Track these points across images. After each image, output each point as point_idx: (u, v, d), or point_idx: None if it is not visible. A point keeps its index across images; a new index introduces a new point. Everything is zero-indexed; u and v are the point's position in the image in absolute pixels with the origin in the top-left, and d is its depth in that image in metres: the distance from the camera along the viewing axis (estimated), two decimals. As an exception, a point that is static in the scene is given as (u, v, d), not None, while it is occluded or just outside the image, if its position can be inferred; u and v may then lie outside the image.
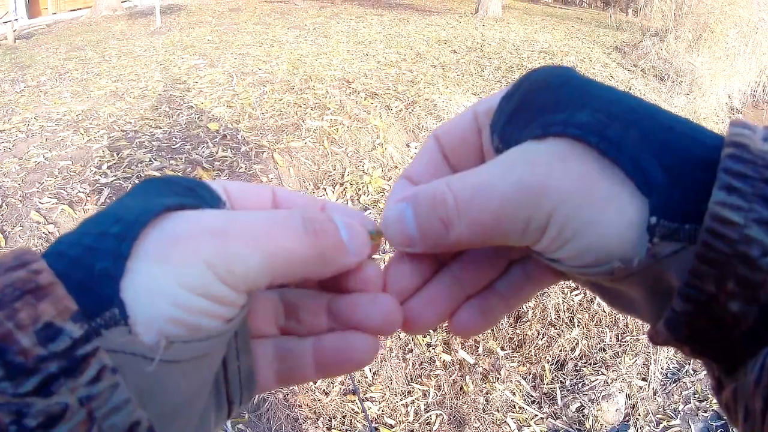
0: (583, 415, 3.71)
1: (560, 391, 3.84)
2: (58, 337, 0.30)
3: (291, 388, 3.46)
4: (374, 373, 3.65)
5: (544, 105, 0.40)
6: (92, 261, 0.33)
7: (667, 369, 4.19)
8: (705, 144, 0.36)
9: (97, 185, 4.54)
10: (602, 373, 3.97)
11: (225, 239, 0.36)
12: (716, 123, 10.76)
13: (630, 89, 9.82)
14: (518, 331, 4.06)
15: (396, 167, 5.51)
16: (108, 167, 4.82)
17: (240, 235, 0.36)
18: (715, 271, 0.32)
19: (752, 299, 0.32)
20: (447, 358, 3.78)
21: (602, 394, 3.81)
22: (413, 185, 0.46)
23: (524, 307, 4.04)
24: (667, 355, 4.27)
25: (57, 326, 0.30)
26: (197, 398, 0.38)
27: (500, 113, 0.43)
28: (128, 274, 0.33)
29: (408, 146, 6.06)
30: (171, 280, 0.34)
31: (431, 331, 3.90)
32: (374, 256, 0.46)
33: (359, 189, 5.04)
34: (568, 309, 4.23)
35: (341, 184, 5.09)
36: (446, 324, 0.47)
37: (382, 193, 5.03)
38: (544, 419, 3.66)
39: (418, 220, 0.41)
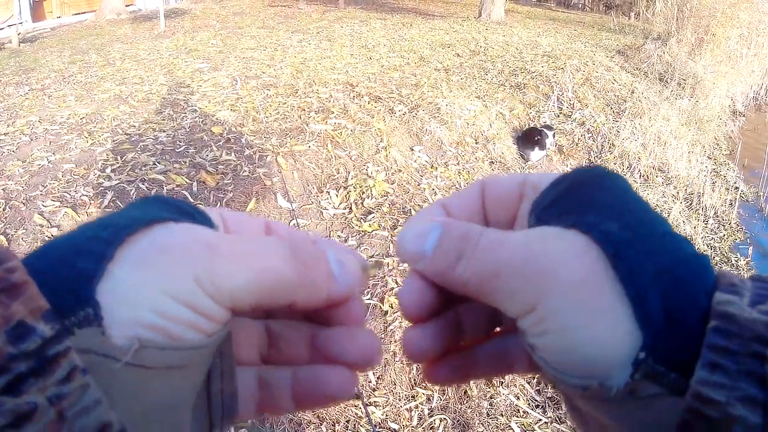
0: (587, 420, 3.70)
1: (564, 395, 3.83)
2: (29, 337, 0.30)
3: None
4: (378, 378, 3.65)
5: (583, 202, 0.40)
6: (75, 261, 0.34)
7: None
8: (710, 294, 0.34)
9: (101, 189, 4.55)
10: (606, 377, 3.97)
11: (215, 254, 0.36)
12: (719, 126, 10.76)
13: (633, 92, 9.83)
14: (522, 335, 4.06)
15: (400, 171, 5.52)
16: (112, 170, 4.82)
17: (230, 252, 0.37)
18: None
19: None
20: (451, 362, 3.78)
21: (606, 398, 3.80)
22: (447, 215, 0.47)
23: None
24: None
25: (29, 325, 0.30)
26: (172, 411, 0.37)
27: (543, 197, 0.42)
28: (109, 277, 0.34)
29: (412, 150, 6.06)
30: (154, 287, 0.34)
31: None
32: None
33: (363, 193, 5.04)
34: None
35: (345, 188, 5.09)
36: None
37: (385, 197, 5.03)
38: (549, 423, 3.65)
39: (440, 243, 0.41)
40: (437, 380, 0.47)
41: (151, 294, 0.34)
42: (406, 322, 0.46)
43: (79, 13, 19.79)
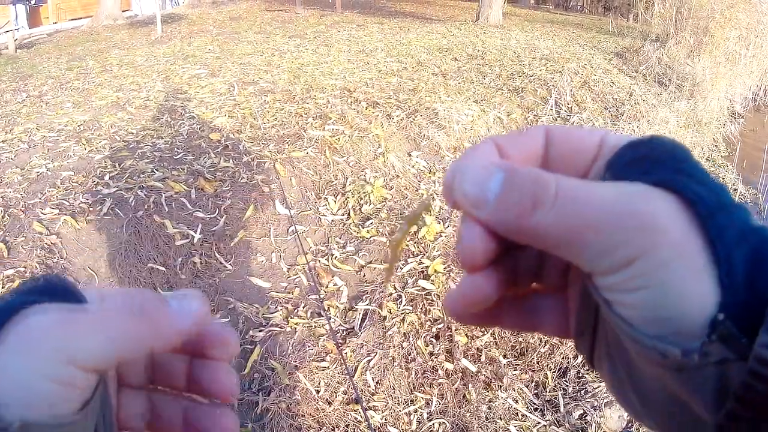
0: (585, 422, 3.70)
1: (563, 398, 3.83)
2: None
3: (294, 397, 3.47)
4: (377, 382, 3.65)
5: (667, 165, 0.39)
6: None
7: (669, 376, 4.18)
8: None
9: (99, 196, 4.56)
10: (605, 381, 3.97)
11: (69, 325, 0.40)
12: (717, 127, 10.75)
13: (631, 95, 9.84)
14: (520, 339, 4.06)
15: (398, 176, 5.52)
16: (110, 178, 4.83)
17: (83, 321, 0.41)
18: (751, 414, 0.32)
19: None
20: (449, 366, 3.78)
21: (605, 400, 3.80)
22: (500, 155, 0.44)
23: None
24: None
25: None
26: None
27: (621, 156, 0.42)
28: None
29: (409, 155, 6.07)
30: (24, 367, 0.38)
31: (434, 341, 3.90)
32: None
33: (361, 199, 5.05)
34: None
35: (343, 194, 5.10)
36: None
37: (384, 203, 5.04)
38: (547, 427, 3.65)
39: (507, 187, 0.39)
40: (463, 319, 0.46)
41: (25, 375, 0.38)
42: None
43: (75, 19, 19.82)
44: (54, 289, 0.45)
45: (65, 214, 4.34)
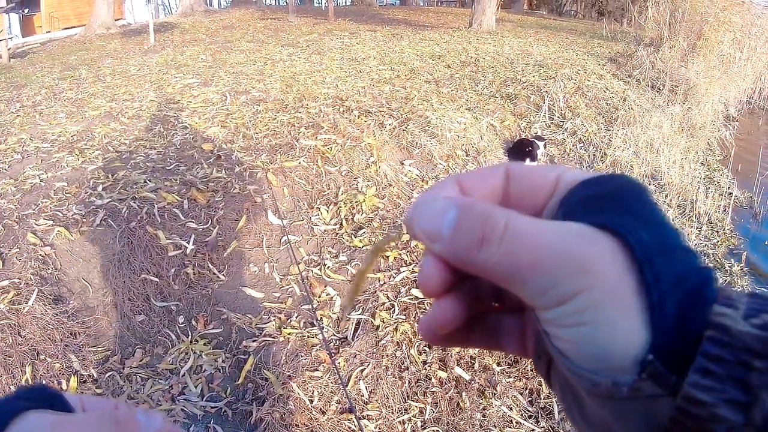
0: (580, 430, 3.70)
1: (557, 405, 3.83)
2: None
3: (288, 407, 3.47)
4: (371, 392, 3.65)
5: (616, 206, 0.41)
6: None
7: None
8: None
9: (93, 207, 4.56)
10: (598, 387, 3.96)
11: (60, 427, 0.47)
12: (712, 131, 10.75)
13: (625, 100, 9.85)
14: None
15: (390, 185, 5.53)
16: (103, 189, 4.83)
17: (70, 425, 0.48)
18: None
19: None
20: (443, 375, 3.78)
21: (599, 408, 3.79)
22: (461, 193, 0.47)
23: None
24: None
25: None
26: None
27: (574, 194, 0.44)
28: None
29: (402, 164, 6.08)
30: None
31: (428, 349, 3.90)
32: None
33: (353, 208, 5.06)
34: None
35: (335, 204, 5.10)
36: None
37: (376, 212, 5.05)
38: (542, 434, 3.66)
39: (459, 223, 0.41)
40: (435, 341, 0.48)
41: None
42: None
43: (68, 28, 19.83)
44: (44, 396, 0.53)
45: (59, 225, 4.34)
